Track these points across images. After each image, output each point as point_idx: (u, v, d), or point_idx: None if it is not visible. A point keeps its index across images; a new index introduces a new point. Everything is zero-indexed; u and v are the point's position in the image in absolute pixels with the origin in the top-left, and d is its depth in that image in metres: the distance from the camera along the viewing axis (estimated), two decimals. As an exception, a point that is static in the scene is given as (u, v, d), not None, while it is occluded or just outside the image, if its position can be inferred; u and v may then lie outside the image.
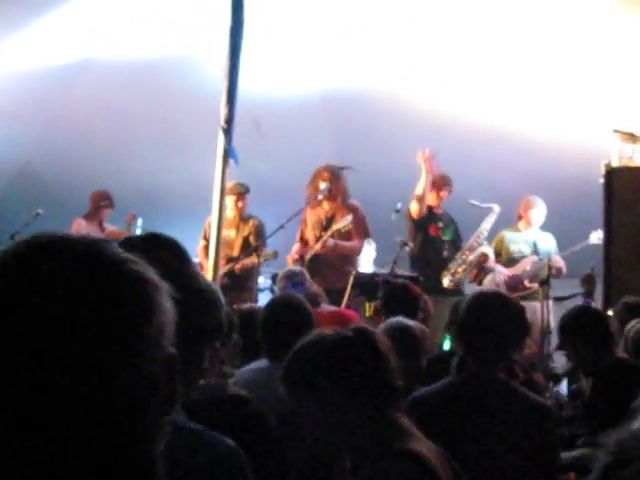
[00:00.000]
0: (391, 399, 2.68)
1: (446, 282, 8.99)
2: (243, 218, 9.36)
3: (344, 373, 2.63)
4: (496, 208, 9.19)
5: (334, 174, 8.98)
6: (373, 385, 2.64)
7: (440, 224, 9.27)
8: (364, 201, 9.21)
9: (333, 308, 7.18)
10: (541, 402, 3.93)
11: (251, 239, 9.36)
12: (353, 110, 10.96)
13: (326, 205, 9.07)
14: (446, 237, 9.27)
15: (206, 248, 9.34)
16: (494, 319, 3.71)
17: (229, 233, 9.15)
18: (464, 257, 9.10)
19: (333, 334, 2.70)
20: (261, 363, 4.46)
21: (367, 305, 7.66)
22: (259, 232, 9.37)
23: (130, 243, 2.00)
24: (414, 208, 9.13)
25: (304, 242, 9.18)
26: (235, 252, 9.22)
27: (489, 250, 9.20)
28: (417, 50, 10.47)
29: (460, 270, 9.01)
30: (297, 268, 7.47)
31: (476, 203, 9.13)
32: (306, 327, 3.86)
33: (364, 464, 2.56)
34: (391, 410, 2.66)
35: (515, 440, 3.61)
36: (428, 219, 9.24)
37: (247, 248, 9.24)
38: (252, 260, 9.05)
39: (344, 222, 8.80)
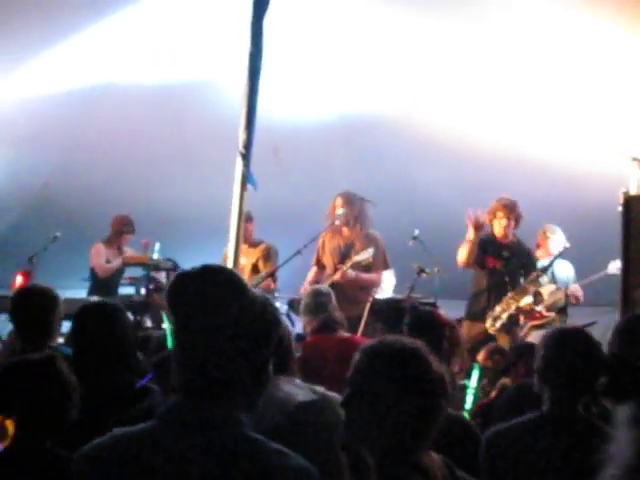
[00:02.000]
0: None
1: (488, 325, 8.64)
2: (252, 244, 9.33)
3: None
4: (566, 244, 8.96)
5: (349, 200, 8.94)
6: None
7: (505, 253, 9.05)
8: (381, 227, 9.19)
9: (347, 335, 7.15)
10: None
11: (260, 264, 9.34)
12: (371, 135, 10.99)
13: (345, 232, 9.04)
14: (502, 268, 8.94)
15: None
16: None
17: (245, 260, 9.16)
18: (511, 301, 8.72)
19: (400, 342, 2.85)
20: None
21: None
22: (267, 256, 9.37)
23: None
24: (460, 257, 8.79)
25: (321, 267, 9.17)
26: (245, 278, 9.16)
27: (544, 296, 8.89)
28: (436, 76, 10.49)
29: (504, 316, 8.70)
30: (325, 288, 7.39)
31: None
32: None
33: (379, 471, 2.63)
34: None
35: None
36: (489, 248, 9.01)
37: (256, 273, 9.25)
38: (267, 284, 9.04)
39: (366, 255, 8.73)
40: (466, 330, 8.47)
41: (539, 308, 8.79)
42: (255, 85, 6.66)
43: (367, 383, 2.82)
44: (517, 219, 8.92)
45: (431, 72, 10.47)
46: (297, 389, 4.25)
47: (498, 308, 8.67)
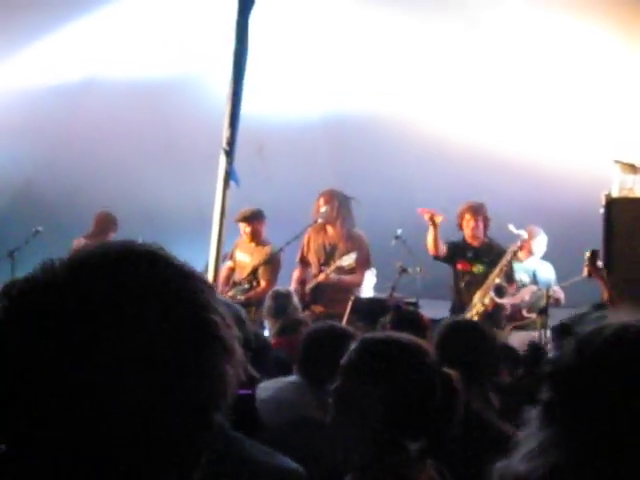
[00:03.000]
0: None
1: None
2: (259, 244, 9.24)
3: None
4: (524, 235, 8.94)
5: (333, 198, 8.94)
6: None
7: (471, 255, 9.06)
8: (364, 226, 9.20)
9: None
10: None
11: (261, 266, 9.27)
12: (355, 134, 10.99)
13: (330, 230, 9.04)
14: (476, 270, 9.12)
15: (229, 270, 9.36)
16: None
17: (245, 257, 9.15)
18: (477, 301, 8.79)
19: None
20: None
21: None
22: (268, 260, 9.29)
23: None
24: (429, 248, 8.84)
25: (305, 264, 9.18)
26: (242, 276, 9.12)
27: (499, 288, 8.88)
28: (420, 75, 10.51)
29: (477, 318, 8.72)
30: (284, 290, 7.46)
31: (513, 229, 8.84)
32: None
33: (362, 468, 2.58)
34: None
35: None
36: (457, 252, 9.10)
37: (253, 274, 9.16)
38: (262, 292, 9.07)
39: (349, 260, 8.73)
40: None
41: (505, 301, 8.81)
42: (240, 82, 6.66)
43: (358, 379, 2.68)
44: (485, 220, 8.98)
45: (417, 72, 10.49)
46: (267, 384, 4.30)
47: (470, 309, 8.74)
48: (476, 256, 9.00)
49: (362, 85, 10.78)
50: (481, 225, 8.98)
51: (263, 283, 9.06)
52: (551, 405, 1.52)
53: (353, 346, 2.74)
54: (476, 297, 8.78)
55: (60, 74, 10.67)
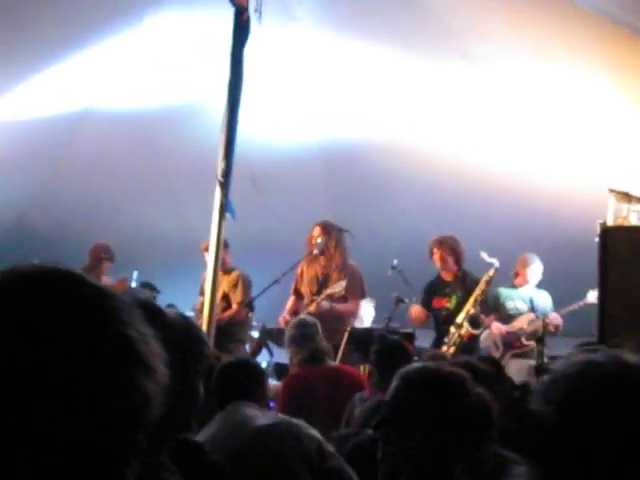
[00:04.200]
0: None
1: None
2: (226, 272, 9.27)
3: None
4: (496, 264, 8.96)
5: (327, 230, 8.94)
6: None
7: (446, 290, 9.09)
8: (361, 256, 9.20)
9: (336, 365, 7.16)
10: None
11: (231, 292, 9.31)
12: (351, 165, 11.01)
13: (322, 261, 9.03)
14: (450, 304, 9.03)
15: (202, 304, 9.38)
16: None
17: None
18: (456, 334, 8.72)
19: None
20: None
21: (362, 367, 7.63)
22: (236, 284, 9.36)
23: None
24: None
25: (298, 296, 9.16)
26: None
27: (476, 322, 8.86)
28: (415, 107, 10.54)
29: (451, 351, 8.71)
30: (310, 319, 7.39)
31: (485, 257, 8.88)
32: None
33: None
34: None
35: None
36: (432, 291, 9.12)
37: (226, 301, 9.28)
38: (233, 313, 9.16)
39: (337, 287, 8.71)
40: None
41: (477, 331, 8.81)
42: (235, 114, 6.67)
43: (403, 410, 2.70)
44: (454, 253, 9.00)
45: (413, 101, 10.52)
46: (258, 413, 4.29)
47: (445, 344, 8.73)
48: (451, 290, 9.03)
49: (358, 115, 10.81)
50: (449, 258, 9.02)
51: (235, 306, 9.38)
52: (537, 447, 1.51)
53: (395, 383, 2.76)
54: (452, 329, 8.79)
55: (55, 106, 10.68)
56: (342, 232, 9.02)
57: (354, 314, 9.02)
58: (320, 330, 7.13)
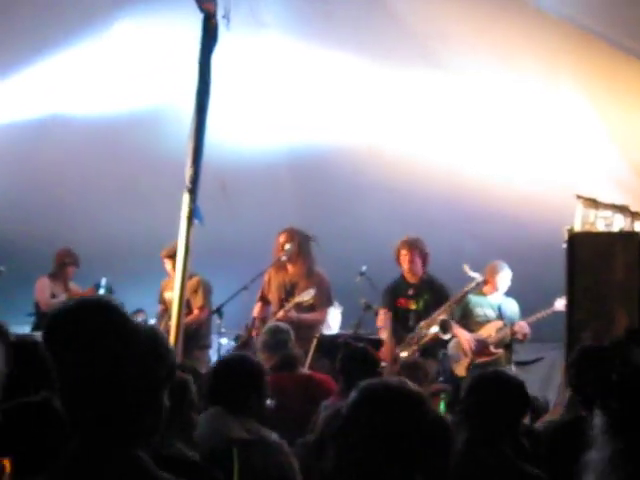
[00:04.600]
0: None
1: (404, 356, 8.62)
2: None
3: None
4: (479, 278, 8.96)
5: (293, 236, 8.92)
6: None
7: (410, 292, 9.06)
8: (329, 263, 9.19)
9: (308, 372, 7.17)
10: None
11: (192, 297, 9.26)
12: (319, 171, 11.00)
13: (290, 268, 9.01)
14: (414, 307, 9.08)
15: (164, 311, 9.33)
16: None
17: (171, 295, 9.00)
18: (422, 332, 8.75)
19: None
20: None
21: None
22: (196, 290, 9.31)
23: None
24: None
25: (265, 302, 9.12)
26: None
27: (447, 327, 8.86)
28: (383, 113, 10.56)
29: (414, 348, 8.72)
30: (284, 325, 7.44)
31: (468, 270, 8.83)
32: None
33: None
34: None
35: None
36: (396, 293, 9.10)
37: (187, 306, 9.18)
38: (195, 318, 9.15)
39: (306, 296, 8.69)
40: None
41: (447, 337, 8.82)
42: (203, 120, 6.65)
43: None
44: (422, 255, 8.99)
45: (378, 108, 10.53)
46: (236, 425, 4.30)
47: (408, 341, 8.74)
48: (415, 293, 9.01)
49: (326, 121, 10.80)
50: (418, 260, 9.00)
51: (195, 311, 9.32)
52: (619, 416, 1.49)
53: (352, 396, 2.70)
54: (419, 330, 8.77)
55: (22, 112, 10.60)
56: (308, 239, 8.99)
57: (321, 322, 9.01)
58: (293, 338, 7.14)
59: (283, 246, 8.90)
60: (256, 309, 9.08)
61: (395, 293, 9.03)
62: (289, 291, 8.94)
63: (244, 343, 8.92)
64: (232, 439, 4.15)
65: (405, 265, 9.01)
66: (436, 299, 8.91)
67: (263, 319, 8.91)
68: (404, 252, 9.00)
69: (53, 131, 10.90)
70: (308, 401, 6.39)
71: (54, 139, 10.93)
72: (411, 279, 9.02)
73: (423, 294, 8.97)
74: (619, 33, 8.68)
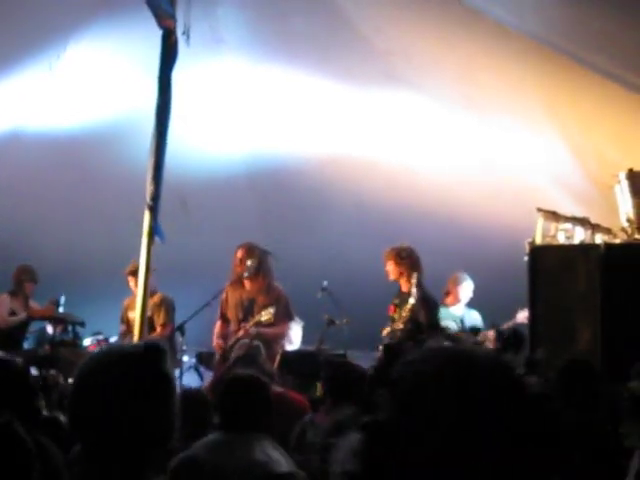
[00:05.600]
0: None
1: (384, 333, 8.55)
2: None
3: None
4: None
5: (250, 252, 8.84)
6: None
7: (397, 300, 8.96)
8: (290, 278, 9.15)
9: (281, 390, 7.11)
10: None
11: (155, 314, 9.18)
12: (279, 187, 11.00)
13: (248, 285, 8.93)
14: (397, 315, 8.98)
15: (125, 332, 9.26)
16: None
17: (133, 314, 8.83)
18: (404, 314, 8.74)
19: None
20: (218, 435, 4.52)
21: (318, 385, 7.55)
22: (159, 307, 9.24)
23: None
24: None
25: (225, 320, 9.03)
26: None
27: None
28: (345, 123, 10.58)
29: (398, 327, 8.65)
30: (255, 342, 7.42)
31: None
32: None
33: None
34: None
35: None
36: (394, 297, 8.98)
37: (149, 325, 9.08)
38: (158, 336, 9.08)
39: (265, 315, 8.62)
40: None
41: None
42: (163, 137, 6.62)
43: None
44: (397, 263, 8.80)
45: (340, 120, 10.56)
46: (277, 454, 4.31)
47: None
48: (401, 302, 8.98)
49: (287, 134, 10.81)
50: (395, 270, 8.84)
51: (158, 329, 9.26)
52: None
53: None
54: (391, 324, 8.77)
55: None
56: (266, 254, 8.93)
57: (283, 337, 8.93)
58: (264, 353, 7.10)
59: (242, 261, 8.83)
60: (217, 327, 9.01)
61: (393, 299, 8.93)
62: (247, 307, 8.85)
63: (224, 359, 8.85)
64: (272, 474, 4.17)
65: (393, 277, 8.90)
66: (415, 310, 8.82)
67: (224, 336, 8.84)
68: (389, 262, 8.85)
69: (13, 147, 10.82)
70: (279, 418, 6.34)
71: (14, 156, 10.85)
72: (403, 288, 8.88)
73: (405, 304, 8.89)
74: (579, 48, 8.75)
